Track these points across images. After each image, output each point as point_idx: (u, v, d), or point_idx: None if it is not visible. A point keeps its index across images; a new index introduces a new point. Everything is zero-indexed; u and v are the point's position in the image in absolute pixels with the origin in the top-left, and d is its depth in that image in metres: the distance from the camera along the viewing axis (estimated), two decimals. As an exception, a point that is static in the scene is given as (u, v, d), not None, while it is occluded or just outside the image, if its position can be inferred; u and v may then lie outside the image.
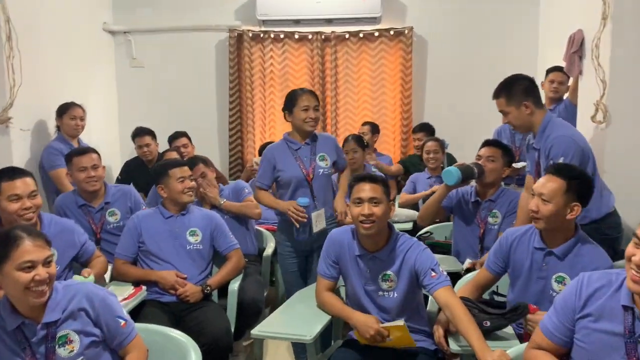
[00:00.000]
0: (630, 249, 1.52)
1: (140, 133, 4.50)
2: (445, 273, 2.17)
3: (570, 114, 3.72)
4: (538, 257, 2.20)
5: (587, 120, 3.49)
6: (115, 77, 5.36)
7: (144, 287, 2.66)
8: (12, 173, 2.41)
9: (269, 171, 2.99)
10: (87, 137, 4.16)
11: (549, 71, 4.21)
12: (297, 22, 5.11)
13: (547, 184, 2.13)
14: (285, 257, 3.05)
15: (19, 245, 1.68)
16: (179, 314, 2.66)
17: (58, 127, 3.94)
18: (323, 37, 5.10)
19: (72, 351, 1.75)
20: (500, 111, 2.73)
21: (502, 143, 3.22)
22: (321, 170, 2.96)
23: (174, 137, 4.59)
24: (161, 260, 2.77)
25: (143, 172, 4.43)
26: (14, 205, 2.34)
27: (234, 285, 2.83)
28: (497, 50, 5.01)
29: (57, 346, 1.74)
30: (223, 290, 2.87)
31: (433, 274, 2.14)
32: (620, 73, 3.22)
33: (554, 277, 2.15)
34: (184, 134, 4.60)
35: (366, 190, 2.21)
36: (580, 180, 2.13)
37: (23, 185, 2.37)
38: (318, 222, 2.92)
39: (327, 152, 2.99)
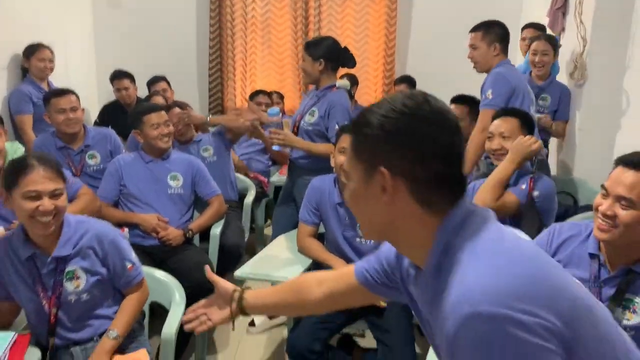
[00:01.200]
0: (597, 199, 1.59)
1: (118, 76, 4.42)
2: None
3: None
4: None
5: (567, 77, 3.56)
6: (92, 17, 5.19)
7: (126, 229, 2.69)
8: None
9: None
10: (65, 80, 4.07)
11: (524, 27, 4.17)
12: (281, -33, 4.99)
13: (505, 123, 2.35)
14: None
15: (27, 174, 1.69)
16: (161, 257, 2.70)
17: (25, 70, 3.83)
18: (306, -18, 5.01)
19: (77, 287, 1.79)
20: (471, 45, 2.95)
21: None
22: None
23: (152, 82, 4.52)
24: (142, 203, 2.79)
25: (121, 116, 4.36)
26: None
27: (216, 230, 2.87)
28: (481, 5, 4.96)
29: (64, 280, 1.78)
30: (204, 234, 2.91)
31: None
32: (601, 31, 3.26)
33: None
34: (163, 79, 4.53)
35: (344, 141, 2.24)
36: None
37: None
38: None
39: None
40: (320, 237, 2.50)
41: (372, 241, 2.29)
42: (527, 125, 2.37)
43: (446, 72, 4.96)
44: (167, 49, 5.18)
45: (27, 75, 3.80)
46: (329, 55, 2.87)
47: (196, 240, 2.90)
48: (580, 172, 3.40)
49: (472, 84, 4.77)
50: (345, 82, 3.22)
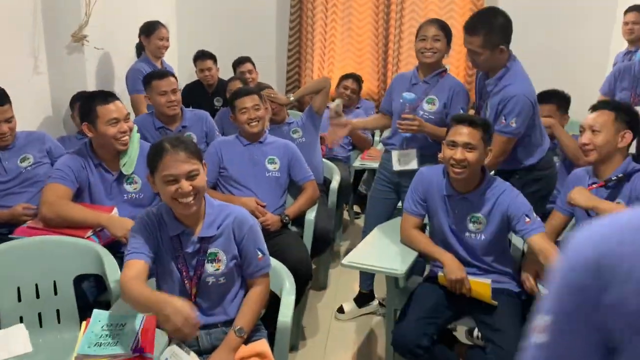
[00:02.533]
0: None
1: (202, 56, 4.47)
2: (539, 219, 2.16)
3: None
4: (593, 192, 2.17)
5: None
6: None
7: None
8: (105, 96, 2.41)
9: None
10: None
11: (625, 12, 3.98)
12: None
13: (597, 117, 2.18)
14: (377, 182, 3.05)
15: (162, 158, 1.73)
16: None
17: (140, 47, 3.91)
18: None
19: (217, 269, 1.83)
20: (469, 49, 2.45)
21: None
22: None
23: (238, 62, 4.54)
24: (241, 185, 2.81)
25: (203, 96, 4.44)
26: (112, 129, 2.36)
27: (310, 215, 2.87)
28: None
29: (206, 261, 1.82)
30: (297, 218, 2.92)
31: (527, 219, 2.13)
32: None
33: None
34: (248, 59, 4.54)
35: (463, 134, 2.16)
36: (625, 110, 2.20)
37: (117, 109, 2.38)
38: (401, 160, 2.85)
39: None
40: (422, 229, 2.45)
41: (483, 237, 2.23)
42: (622, 119, 2.17)
43: (543, 53, 4.79)
44: (247, 31, 5.21)
45: (142, 54, 3.90)
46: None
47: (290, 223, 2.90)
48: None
49: (572, 65, 4.66)
50: (448, 66, 3.08)
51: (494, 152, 2.33)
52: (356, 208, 4.58)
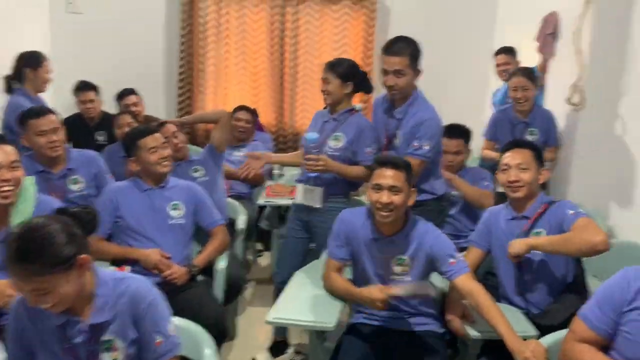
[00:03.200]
0: None
1: (83, 88, 4.12)
2: (463, 258, 2.14)
3: None
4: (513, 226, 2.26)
5: (561, 102, 3.58)
6: (49, 23, 4.78)
7: (127, 267, 2.41)
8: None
9: None
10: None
11: (495, 54, 4.26)
12: (258, -22, 4.81)
13: (519, 155, 2.26)
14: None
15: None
16: (164, 296, 2.43)
17: (12, 79, 3.52)
18: (284, -3, 4.85)
19: (115, 359, 1.53)
20: (395, 71, 2.49)
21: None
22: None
23: (122, 95, 4.20)
24: (142, 236, 2.52)
25: (84, 130, 4.07)
26: None
27: (221, 264, 2.64)
28: (456, 26, 4.98)
29: (100, 351, 1.52)
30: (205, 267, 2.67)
31: (452, 260, 2.09)
32: (599, 58, 3.31)
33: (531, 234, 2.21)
34: (132, 91, 4.22)
35: (388, 177, 2.09)
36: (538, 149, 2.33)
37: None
38: (306, 195, 2.76)
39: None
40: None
41: (409, 279, 2.16)
42: (539, 157, 2.31)
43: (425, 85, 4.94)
44: (132, 58, 4.86)
45: (19, 87, 3.49)
46: (355, 77, 2.72)
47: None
48: (575, 197, 3.42)
49: (451, 100, 4.88)
50: (360, 106, 3.09)
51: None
52: (259, 245, 4.38)
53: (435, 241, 2.14)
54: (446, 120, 4.16)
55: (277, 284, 2.78)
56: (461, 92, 4.99)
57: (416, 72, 2.56)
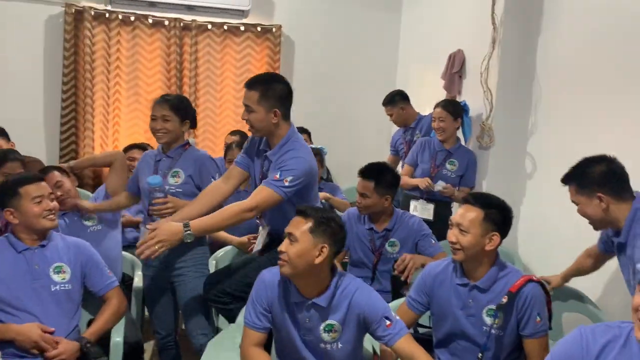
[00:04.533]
0: (637, 299, 1.45)
1: None
2: (397, 318, 1.94)
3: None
4: (463, 292, 2.09)
5: (472, 140, 3.58)
6: None
7: (-3, 353, 1.95)
8: None
9: None
10: None
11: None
12: (152, 4, 4.45)
13: (466, 213, 2.03)
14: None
15: None
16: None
17: None
18: (182, 24, 4.51)
19: None
20: (245, 105, 2.30)
21: (376, 173, 2.77)
22: None
23: None
24: (16, 309, 2.05)
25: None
26: None
27: (118, 335, 2.24)
28: (361, 56, 4.97)
29: None
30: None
31: (388, 322, 1.88)
32: (505, 96, 3.35)
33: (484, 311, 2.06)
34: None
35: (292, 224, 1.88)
36: (498, 209, 2.02)
37: None
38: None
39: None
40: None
41: (340, 345, 1.92)
42: (495, 218, 2.04)
43: (330, 119, 4.84)
44: (7, 92, 4.28)
45: None
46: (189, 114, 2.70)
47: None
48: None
49: (355, 130, 4.82)
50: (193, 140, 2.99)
51: (254, 199, 2.22)
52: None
53: (367, 301, 1.91)
54: (346, 158, 4.13)
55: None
56: (363, 127, 4.95)
57: (270, 110, 2.26)
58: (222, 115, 4.75)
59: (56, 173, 2.70)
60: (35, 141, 4.31)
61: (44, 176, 2.35)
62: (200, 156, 2.66)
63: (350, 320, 1.91)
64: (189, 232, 2.14)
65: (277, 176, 2.22)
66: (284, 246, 1.87)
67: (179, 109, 2.60)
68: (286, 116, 2.33)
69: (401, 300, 2.31)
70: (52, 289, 2.14)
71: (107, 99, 4.50)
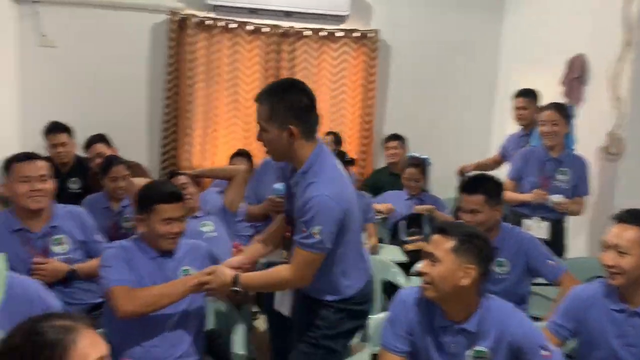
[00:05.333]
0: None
1: (54, 129, 3.61)
2: (556, 348, 1.76)
3: None
4: (620, 319, 1.88)
5: (595, 150, 3.32)
6: (19, 58, 4.27)
7: None
8: None
9: None
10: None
11: (515, 96, 3.90)
12: (252, 11, 4.45)
13: (622, 233, 1.82)
14: None
15: None
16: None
17: None
18: (280, 31, 4.50)
19: None
20: (257, 123, 1.89)
21: (484, 185, 2.44)
22: None
23: (89, 144, 3.68)
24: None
25: (55, 177, 3.52)
26: None
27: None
28: (459, 61, 4.80)
29: None
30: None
31: (544, 352, 1.71)
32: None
33: None
34: (100, 138, 3.65)
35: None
36: None
37: None
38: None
39: None
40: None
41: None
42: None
43: (424, 127, 4.69)
44: (111, 99, 4.40)
45: None
46: None
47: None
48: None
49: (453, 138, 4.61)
50: None
51: (295, 268, 1.87)
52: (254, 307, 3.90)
53: (520, 328, 1.75)
54: (443, 168, 3.86)
55: None
56: (462, 134, 4.77)
57: (285, 127, 1.83)
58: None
59: (182, 177, 2.82)
60: (136, 147, 4.39)
61: (181, 195, 2.23)
62: None
63: (501, 348, 1.75)
64: (236, 289, 1.93)
65: (305, 229, 1.83)
66: (425, 267, 1.74)
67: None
68: (308, 134, 1.87)
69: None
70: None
71: (207, 105, 4.54)
